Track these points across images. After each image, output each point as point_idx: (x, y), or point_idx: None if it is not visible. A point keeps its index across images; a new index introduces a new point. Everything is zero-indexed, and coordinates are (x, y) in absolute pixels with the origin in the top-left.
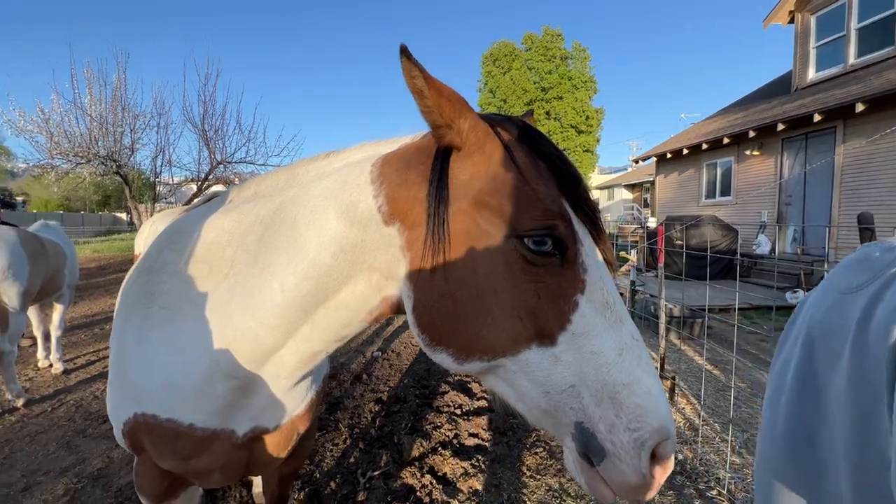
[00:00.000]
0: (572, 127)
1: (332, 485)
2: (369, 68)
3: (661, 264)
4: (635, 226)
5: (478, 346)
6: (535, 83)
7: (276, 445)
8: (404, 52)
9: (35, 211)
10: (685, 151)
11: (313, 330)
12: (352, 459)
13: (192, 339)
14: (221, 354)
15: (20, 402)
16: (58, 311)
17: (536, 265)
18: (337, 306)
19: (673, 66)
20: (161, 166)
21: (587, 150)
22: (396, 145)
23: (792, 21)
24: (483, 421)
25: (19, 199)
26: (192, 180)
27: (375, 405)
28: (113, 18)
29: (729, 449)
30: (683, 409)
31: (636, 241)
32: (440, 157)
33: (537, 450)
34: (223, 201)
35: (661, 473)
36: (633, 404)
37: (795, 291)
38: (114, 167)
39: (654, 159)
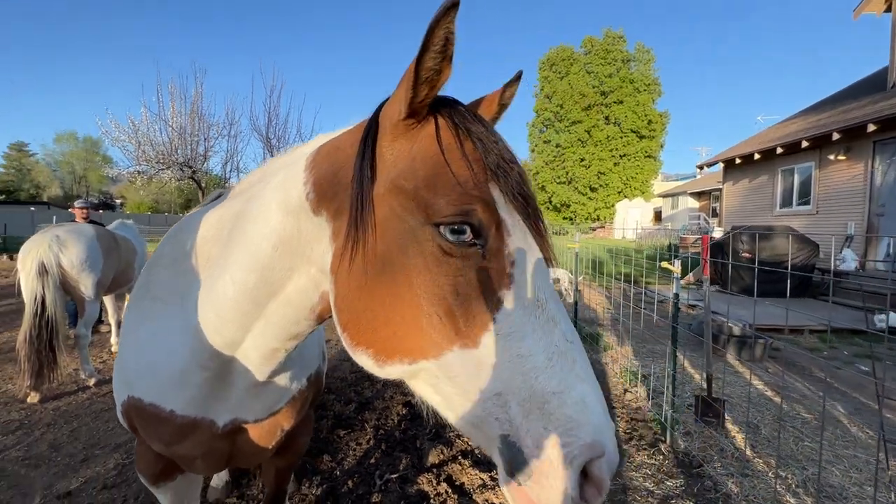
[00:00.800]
0: (633, 132)
1: (350, 483)
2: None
3: (706, 275)
4: (697, 236)
5: (397, 348)
6: (594, 87)
7: (259, 439)
8: (446, 12)
9: (129, 212)
10: (756, 156)
11: (266, 326)
12: (372, 460)
13: (175, 329)
14: (197, 344)
15: (91, 382)
16: (128, 301)
17: (455, 256)
18: (284, 302)
19: (749, 66)
20: (230, 172)
21: (649, 156)
22: (340, 132)
23: (889, 9)
24: None
25: (118, 201)
26: None
27: (403, 408)
28: (193, 38)
29: (783, 487)
30: (734, 437)
31: (696, 252)
32: (371, 137)
33: None
34: (223, 199)
35: (595, 496)
36: (564, 415)
37: (883, 314)
38: (189, 172)
39: (722, 165)
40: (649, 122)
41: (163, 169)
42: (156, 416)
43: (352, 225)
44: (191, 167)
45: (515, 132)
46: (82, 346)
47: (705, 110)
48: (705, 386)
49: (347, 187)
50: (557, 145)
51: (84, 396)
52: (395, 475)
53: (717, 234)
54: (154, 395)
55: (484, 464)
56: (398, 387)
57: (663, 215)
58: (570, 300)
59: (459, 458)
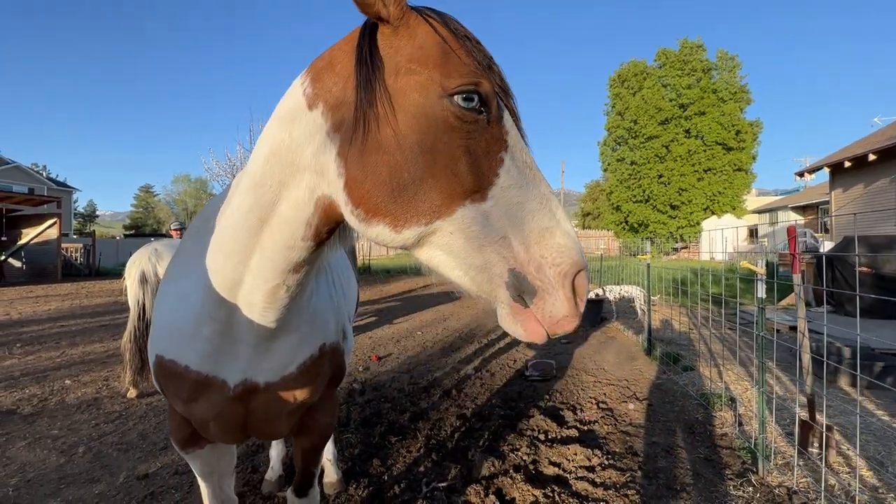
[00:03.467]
0: (718, 144)
1: (396, 489)
2: None
3: (796, 274)
4: (802, 252)
5: (415, 211)
6: (671, 101)
7: (272, 404)
8: None
9: None
10: (871, 157)
11: (262, 257)
12: (421, 468)
13: (191, 286)
14: (205, 295)
15: None
16: None
17: (466, 121)
18: (279, 223)
19: (858, 65)
20: None
21: (739, 169)
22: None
23: None
24: (569, 451)
25: None
26: None
27: (457, 420)
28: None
29: None
30: (839, 472)
31: (802, 270)
32: (367, 32)
33: (628, 491)
34: None
35: (581, 301)
36: (555, 244)
37: None
38: None
39: (828, 171)
40: (737, 132)
41: None
42: (174, 372)
43: (364, 106)
44: None
45: (586, 150)
46: None
47: (811, 117)
48: (806, 414)
49: (349, 76)
50: (632, 163)
51: None
52: (442, 484)
53: (826, 248)
54: (173, 351)
55: (538, 481)
56: (454, 399)
57: (760, 233)
58: (644, 321)
59: (511, 472)
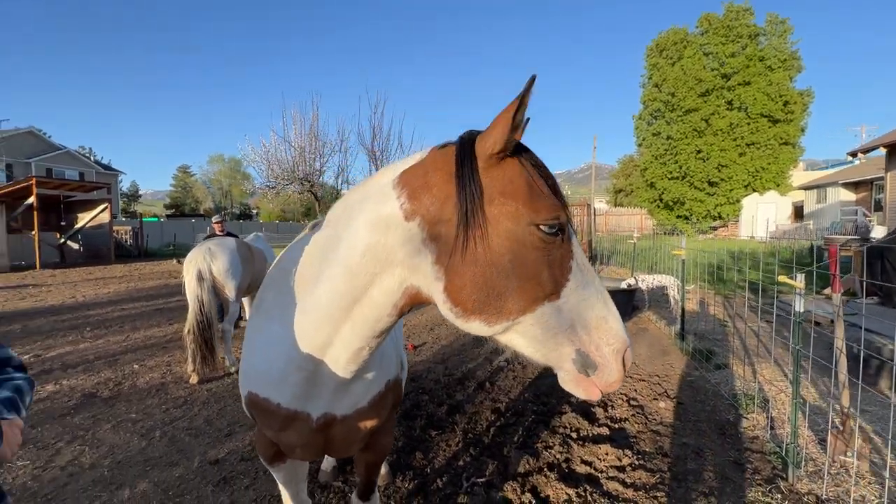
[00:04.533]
0: (764, 116)
1: (439, 482)
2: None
3: (836, 294)
4: (849, 237)
5: (506, 311)
6: (712, 70)
7: (346, 433)
8: (530, 85)
9: (262, 220)
10: None
11: (353, 328)
12: (461, 463)
13: (278, 338)
14: (294, 349)
15: (233, 370)
16: None
17: (548, 243)
18: (369, 304)
19: None
20: (341, 184)
21: (785, 143)
22: (412, 161)
23: None
24: (600, 450)
25: (254, 211)
26: None
27: (492, 414)
28: (312, 72)
29: None
30: (872, 482)
31: (849, 256)
32: (469, 164)
33: (657, 493)
34: (319, 226)
35: (625, 369)
36: (610, 329)
37: None
38: (308, 186)
39: (885, 151)
40: (785, 103)
41: (287, 184)
42: (267, 408)
43: (464, 227)
44: (309, 181)
45: (620, 126)
46: (227, 339)
47: (870, 81)
48: (838, 424)
49: (447, 199)
50: (669, 137)
51: (228, 381)
52: (481, 479)
53: (879, 232)
54: (266, 391)
55: (571, 480)
56: (487, 392)
57: (805, 211)
58: (677, 311)
59: (545, 470)
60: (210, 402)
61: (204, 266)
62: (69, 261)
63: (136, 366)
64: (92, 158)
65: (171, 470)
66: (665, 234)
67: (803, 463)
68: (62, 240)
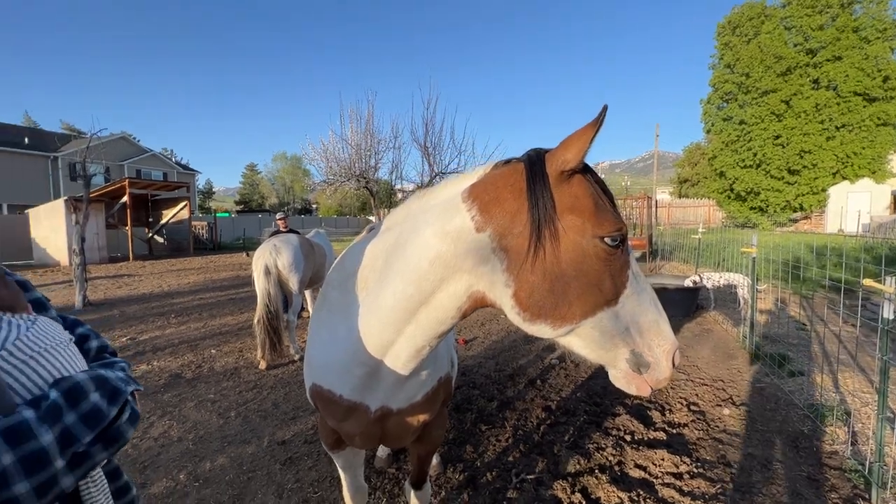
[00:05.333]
0: (857, 94)
1: (489, 476)
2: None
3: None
4: None
5: (570, 316)
6: (795, 46)
7: (401, 424)
8: (604, 113)
9: (321, 215)
10: None
11: (416, 328)
12: (510, 458)
13: (343, 335)
14: (358, 346)
15: (296, 357)
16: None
17: (610, 254)
18: (435, 306)
19: None
20: (395, 179)
21: (884, 123)
22: (476, 176)
23: None
24: (656, 455)
25: (314, 206)
26: (419, 187)
27: (543, 412)
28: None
29: None
30: None
31: None
32: (542, 181)
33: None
34: (376, 232)
35: (674, 367)
36: (661, 331)
37: None
38: (364, 182)
39: None
40: (885, 79)
41: (343, 181)
42: (330, 399)
43: (536, 238)
44: (365, 178)
45: (686, 110)
46: (291, 329)
47: None
48: None
49: (516, 213)
50: (742, 122)
51: (292, 368)
52: (530, 476)
53: None
54: (329, 383)
55: (623, 483)
56: (538, 389)
57: None
58: (746, 313)
59: (597, 471)
60: (277, 387)
61: (270, 261)
62: (155, 253)
63: (213, 350)
64: (173, 160)
65: (245, 447)
66: (736, 227)
67: (889, 483)
68: (150, 234)
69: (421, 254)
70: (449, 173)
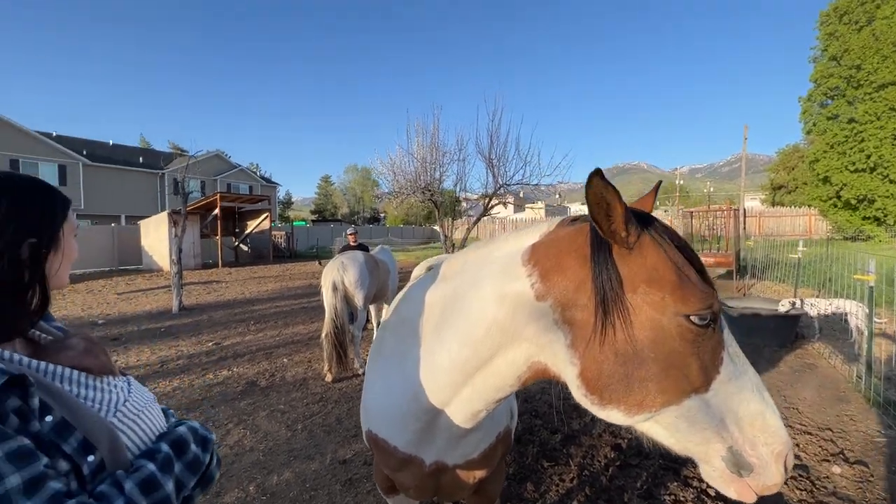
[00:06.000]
0: None
1: None
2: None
3: None
4: None
5: (647, 403)
6: None
7: (456, 480)
8: (598, 174)
9: (389, 224)
10: None
11: (473, 391)
12: (574, 502)
13: (397, 387)
14: (412, 400)
15: (361, 371)
16: (385, 310)
17: (698, 335)
18: (492, 372)
19: None
20: (459, 191)
21: None
22: (538, 234)
23: None
24: None
25: (382, 215)
26: (482, 197)
27: (612, 451)
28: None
29: None
30: None
31: None
32: (605, 250)
33: None
34: (435, 275)
35: (787, 473)
36: (768, 426)
37: None
38: (429, 195)
39: None
40: None
41: (409, 194)
42: (385, 448)
43: (602, 314)
44: (430, 191)
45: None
46: (356, 343)
47: None
48: None
49: (582, 283)
50: (852, 120)
51: (356, 382)
52: None
53: None
54: (384, 432)
55: None
56: (608, 426)
57: None
58: (861, 345)
59: None
60: (341, 402)
61: (338, 278)
62: (241, 260)
63: (285, 359)
64: (258, 174)
65: (309, 463)
66: (845, 239)
67: None
68: (236, 243)
69: (478, 316)
70: (513, 185)
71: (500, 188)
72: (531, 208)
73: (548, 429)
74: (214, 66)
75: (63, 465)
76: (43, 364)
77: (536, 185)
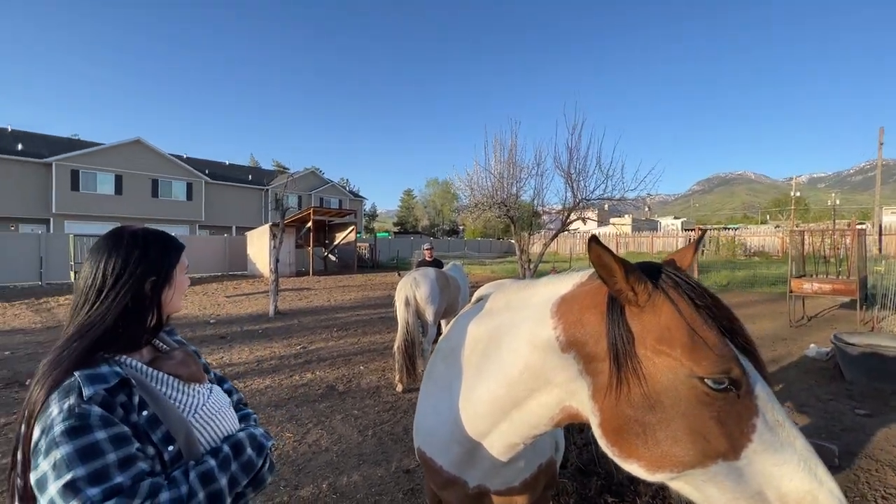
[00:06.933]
0: None
1: None
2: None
3: None
4: None
5: (668, 461)
6: None
7: None
8: (594, 239)
9: (467, 237)
10: None
11: (510, 426)
12: None
13: (444, 412)
14: (456, 427)
15: None
16: None
17: (716, 398)
18: (526, 411)
19: None
20: (537, 205)
21: None
22: (570, 285)
23: None
24: None
25: (461, 227)
26: (560, 211)
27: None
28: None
29: None
30: None
31: None
32: (617, 308)
33: None
34: (482, 307)
35: None
36: None
37: None
38: (505, 210)
39: None
40: None
41: (485, 208)
42: (432, 467)
43: (618, 371)
44: (506, 206)
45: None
46: (425, 357)
47: None
48: None
49: (599, 339)
50: None
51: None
52: None
53: None
54: (431, 452)
55: None
56: None
57: None
58: None
59: None
60: (409, 412)
61: (410, 293)
62: (328, 269)
63: (362, 367)
64: (347, 189)
65: (376, 469)
66: None
67: None
68: (325, 253)
69: (514, 358)
70: (593, 200)
71: (579, 202)
72: (615, 224)
73: (614, 462)
74: (311, 83)
75: (150, 450)
76: (150, 369)
77: (620, 198)
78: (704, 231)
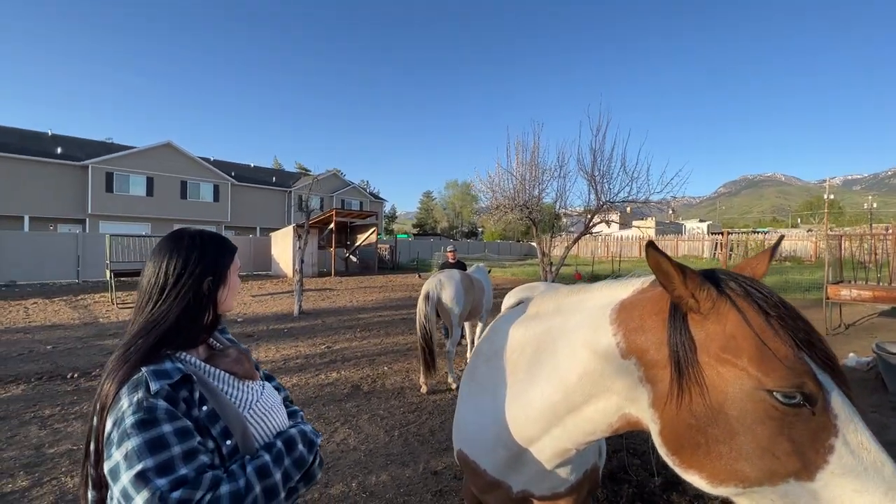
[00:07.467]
0: None
1: None
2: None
3: None
4: None
5: (732, 476)
6: None
7: None
8: (652, 245)
9: (486, 239)
10: None
11: (563, 432)
12: None
13: (489, 414)
14: (502, 430)
15: (454, 386)
16: (478, 327)
17: (786, 414)
18: (583, 417)
19: None
20: (559, 208)
21: None
22: (630, 290)
23: None
24: None
25: (480, 229)
26: (584, 212)
27: None
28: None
29: None
30: None
31: None
32: (679, 315)
33: None
34: (524, 310)
35: None
36: None
37: None
38: (527, 212)
39: None
40: None
41: (507, 210)
42: (474, 469)
43: (679, 379)
44: (528, 208)
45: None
46: (449, 358)
47: None
48: None
49: (660, 346)
50: None
51: (449, 396)
52: None
53: None
54: (474, 455)
55: None
56: None
57: None
58: None
59: None
60: (434, 413)
61: (434, 291)
62: (350, 270)
63: (386, 367)
64: (367, 191)
65: (403, 469)
66: None
67: None
68: (347, 255)
69: (571, 363)
70: (618, 203)
71: (602, 205)
72: (638, 227)
73: (647, 470)
74: (331, 88)
75: (210, 444)
76: (207, 366)
77: (645, 201)
78: (782, 237)
